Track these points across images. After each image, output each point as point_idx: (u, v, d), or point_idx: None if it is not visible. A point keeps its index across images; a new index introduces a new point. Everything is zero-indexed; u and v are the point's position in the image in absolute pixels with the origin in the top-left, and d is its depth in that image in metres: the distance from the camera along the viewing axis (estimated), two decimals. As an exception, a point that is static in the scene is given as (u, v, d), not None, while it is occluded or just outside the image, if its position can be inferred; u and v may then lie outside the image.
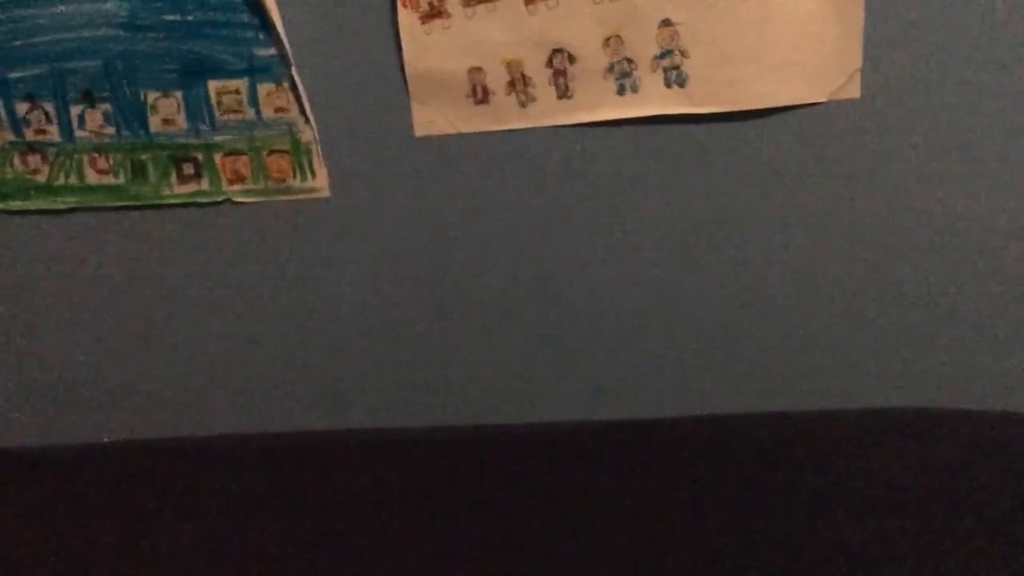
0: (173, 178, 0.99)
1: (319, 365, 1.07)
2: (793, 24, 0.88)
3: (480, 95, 0.93)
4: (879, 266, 0.99)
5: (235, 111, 0.96)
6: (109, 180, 0.99)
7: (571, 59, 0.91)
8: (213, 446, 1.07)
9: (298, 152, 0.98)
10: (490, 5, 0.89)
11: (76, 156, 0.99)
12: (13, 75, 0.95)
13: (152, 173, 0.99)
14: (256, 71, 0.94)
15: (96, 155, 0.98)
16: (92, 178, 0.99)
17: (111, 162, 0.99)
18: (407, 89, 0.94)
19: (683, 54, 0.90)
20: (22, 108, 0.96)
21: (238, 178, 0.99)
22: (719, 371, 1.04)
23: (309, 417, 1.09)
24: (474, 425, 1.07)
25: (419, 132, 0.96)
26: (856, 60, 0.90)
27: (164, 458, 1.05)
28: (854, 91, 0.91)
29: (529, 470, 0.99)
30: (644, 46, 0.90)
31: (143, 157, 0.98)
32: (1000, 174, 0.94)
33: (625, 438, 1.02)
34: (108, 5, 0.92)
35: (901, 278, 0.99)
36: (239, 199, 1.00)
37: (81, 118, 0.97)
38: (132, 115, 0.96)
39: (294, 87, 0.94)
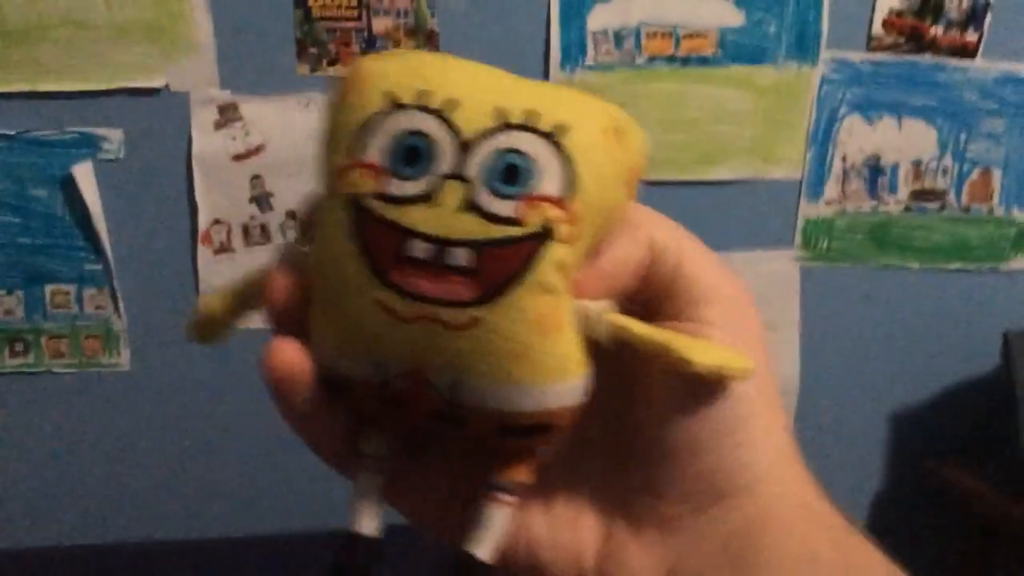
0: (6, 353, 1.31)
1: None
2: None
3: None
4: None
5: (63, 307, 1.31)
6: (-49, 352, 1.29)
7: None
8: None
9: (108, 338, 1.34)
10: (262, 247, 1.35)
11: (-76, 334, 1.28)
12: None
13: (-12, 349, 1.31)
14: (84, 279, 1.31)
15: (-58, 333, 1.29)
16: (-64, 350, 1.29)
17: (-46, 339, 1.29)
18: (197, 295, 1.34)
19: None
20: None
21: (58, 355, 1.33)
22: None
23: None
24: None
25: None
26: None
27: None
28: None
29: None
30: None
31: (-18, 337, 1.30)
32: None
33: None
34: (-28, 226, 1.27)
35: None
36: (57, 370, 1.33)
37: (-61, 305, 1.28)
38: (-20, 306, 1.29)
39: (112, 293, 1.32)
